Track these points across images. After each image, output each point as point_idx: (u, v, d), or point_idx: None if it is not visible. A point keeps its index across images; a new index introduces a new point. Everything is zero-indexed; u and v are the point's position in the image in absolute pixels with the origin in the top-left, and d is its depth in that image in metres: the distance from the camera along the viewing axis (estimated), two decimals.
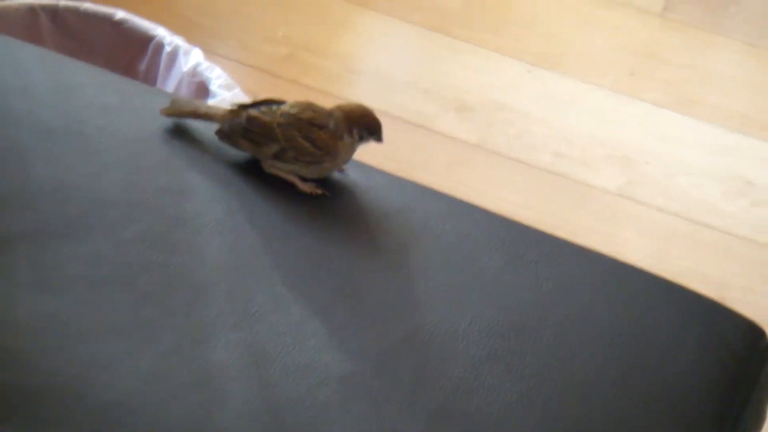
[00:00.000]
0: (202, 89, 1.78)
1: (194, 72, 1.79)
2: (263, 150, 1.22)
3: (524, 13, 2.26)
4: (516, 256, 1.20)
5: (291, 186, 1.23)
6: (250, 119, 1.22)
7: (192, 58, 1.80)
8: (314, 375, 1.07)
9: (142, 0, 2.17)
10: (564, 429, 1.07)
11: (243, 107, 1.24)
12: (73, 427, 1.01)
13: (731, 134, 2.10)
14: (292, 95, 1.26)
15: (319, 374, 1.07)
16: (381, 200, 1.24)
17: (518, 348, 1.11)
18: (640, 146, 2.07)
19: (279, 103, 1.24)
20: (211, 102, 1.72)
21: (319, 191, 1.23)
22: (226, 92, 1.74)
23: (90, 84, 1.31)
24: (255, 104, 1.24)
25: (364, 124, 1.23)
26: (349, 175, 1.25)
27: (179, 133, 1.26)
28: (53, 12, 1.86)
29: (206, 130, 1.25)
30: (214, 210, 1.19)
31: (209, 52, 2.02)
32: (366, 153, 1.25)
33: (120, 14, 1.86)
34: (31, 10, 1.85)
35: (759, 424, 1.19)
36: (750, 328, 1.20)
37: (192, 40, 1.87)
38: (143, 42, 1.85)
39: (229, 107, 1.25)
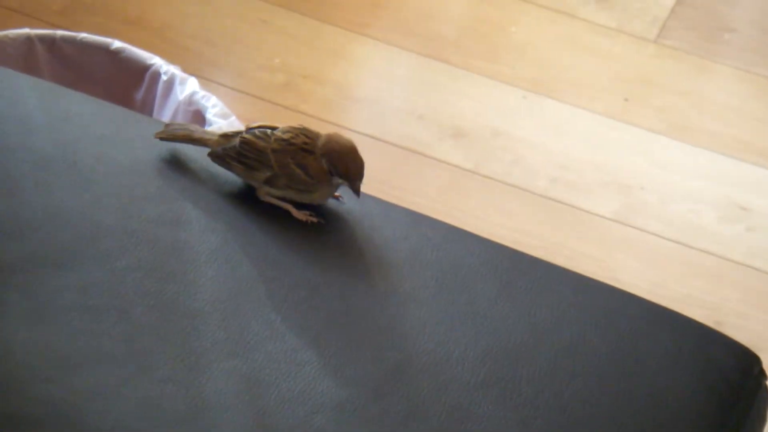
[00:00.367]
0: (198, 118, 1.78)
1: (190, 101, 1.79)
2: (255, 175, 1.22)
3: (519, 40, 2.26)
4: (510, 282, 1.20)
5: (286, 213, 1.23)
6: (244, 143, 1.22)
7: (188, 87, 1.81)
8: (309, 403, 1.07)
9: (138, 29, 2.18)
10: None
11: (236, 133, 1.24)
12: None
13: (726, 160, 2.10)
14: (288, 122, 1.25)
15: (314, 402, 1.07)
16: (376, 228, 1.24)
17: (513, 375, 1.11)
18: (635, 172, 2.07)
19: (273, 128, 1.24)
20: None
21: (314, 219, 1.23)
22: (222, 120, 1.74)
23: (85, 113, 1.31)
24: (249, 129, 1.24)
25: (340, 170, 1.21)
26: (345, 202, 1.25)
27: (174, 163, 1.26)
28: (50, 42, 1.86)
29: (201, 159, 1.25)
30: (208, 239, 1.19)
31: (206, 80, 2.03)
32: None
33: (116, 44, 1.86)
34: (28, 39, 1.86)
35: None
36: (744, 354, 1.20)
37: (188, 68, 1.88)
38: (140, 71, 1.85)
39: (222, 131, 1.25)
